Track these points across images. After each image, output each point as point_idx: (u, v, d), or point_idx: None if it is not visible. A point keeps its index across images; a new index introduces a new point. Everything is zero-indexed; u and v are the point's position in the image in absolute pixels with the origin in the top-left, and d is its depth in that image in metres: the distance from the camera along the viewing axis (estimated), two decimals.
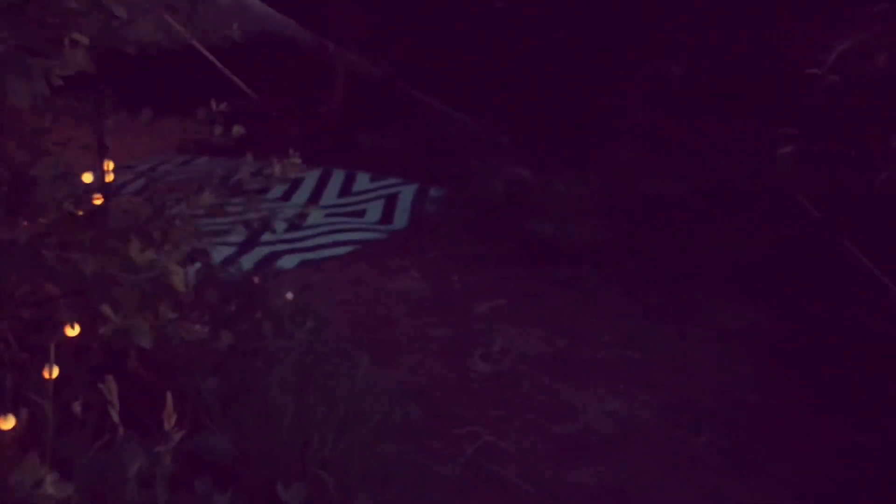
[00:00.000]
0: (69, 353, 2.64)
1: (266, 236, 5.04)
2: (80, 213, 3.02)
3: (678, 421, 2.93)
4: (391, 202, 5.60)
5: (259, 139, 7.21)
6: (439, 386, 3.18)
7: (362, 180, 6.15)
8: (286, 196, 5.82)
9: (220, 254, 4.65)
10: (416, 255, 4.59)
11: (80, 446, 2.18)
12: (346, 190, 5.97)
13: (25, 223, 2.77)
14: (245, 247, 4.83)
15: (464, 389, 3.15)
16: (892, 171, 4.13)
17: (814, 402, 3.03)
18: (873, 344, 3.36)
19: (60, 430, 2.22)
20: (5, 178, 2.93)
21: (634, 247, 4.00)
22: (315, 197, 5.81)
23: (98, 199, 3.11)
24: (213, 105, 3.23)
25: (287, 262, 4.60)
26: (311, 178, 6.23)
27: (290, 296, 3.13)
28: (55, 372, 2.17)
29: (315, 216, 5.34)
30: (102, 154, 3.40)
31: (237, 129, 3.24)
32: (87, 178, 3.15)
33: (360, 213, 5.43)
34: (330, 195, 5.86)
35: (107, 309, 2.53)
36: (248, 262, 4.56)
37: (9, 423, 2.06)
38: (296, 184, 6.11)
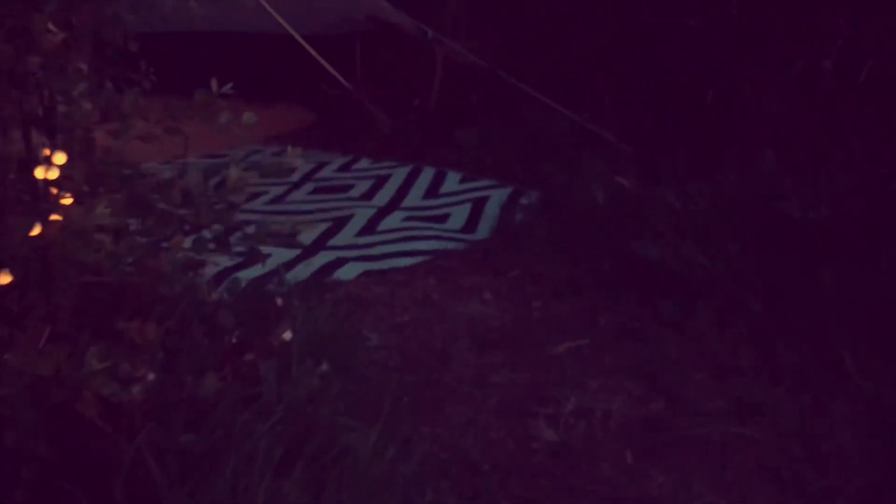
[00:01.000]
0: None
1: (334, 240, 4.40)
2: None
3: None
4: (478, 207, 4.84)
5: (351, 131, 6.66)
6: (488, 456, 2.40)
7: (452, 180, 5.42)
8: (368, 195, 5.16)
9: (279, 257, 4.04)
10: (494, 273, 3.82)
11: None
12: (432, 191, 5.26)
13: None
14: (310, 251, 4.19)
15: (519, 465, 2.37)
16: None
17: None
18: None
19: None
20: None
21: (765, 283, 3.08)
22: (398, 197, 5.12)
23: None
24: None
25: (348, 271, 3.92)
26: (398, 175, 5.56)
27: (287, 335, 2.43)
28: None
29: (389, 221, 4.67)
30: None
31: (248, 117, 2.56)
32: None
33: (443, 219, 4.70)
34: (414, 196, 5.16)
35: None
36: (305, 269, 3.92)
37: None
38: (381, 181, 5.46)
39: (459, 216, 4.73)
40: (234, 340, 2.45)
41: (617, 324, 3.23)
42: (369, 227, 4.56)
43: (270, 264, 4.01)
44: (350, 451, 2.01)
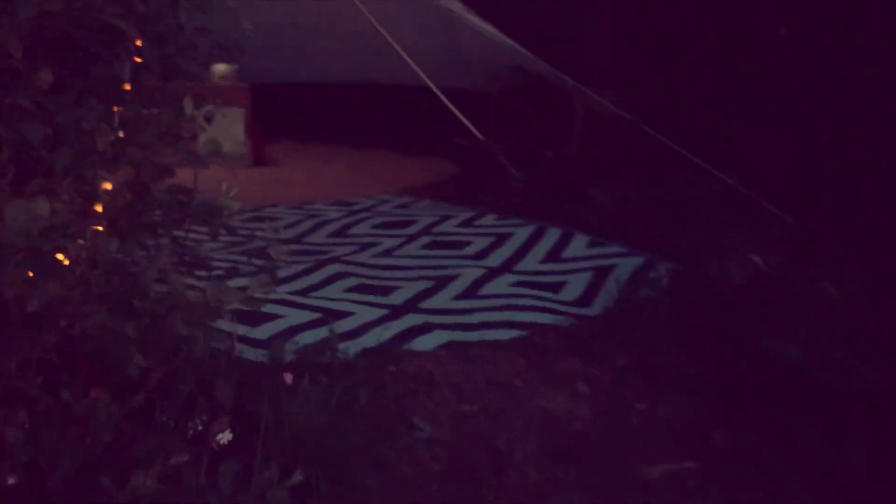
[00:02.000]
0: None
1: (429, 301, 3.85)
2: None
3: None
4: (600, 277, 4.14)
5: (482, 185, 6.14)
6: None
7: (578, 244, 4.75)
8: (482, 254, 4.59)
9: (362, 316, 3.55)
10: (597, 359, 3.12)
11: None
12: (554, 254, 4.61)
13: None
14: (398, 311, 3.67)
15: None
16: None
17: None
18: None
19: None
20: None
21: None
22: (514, 259, 4.51)
23: None
24: None
25: (430, 339, 3.35)
26: (520, 234, 4.96)
27: (225, 437, 1.89)
28: None
29: (495, 284, 4.07)
30: None
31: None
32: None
33: (557, 287, 4.04)
34: (532, 258, 4.53)
35: None
36: (382, 334, 3.39)
37: None
38: (501, 240, 4.87)
39: (576, 286, 4.05)
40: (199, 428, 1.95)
41: (736, 445, 2.44)
42: (471, 291, 3.98)
43: (351, 323, 3.55)
44: None
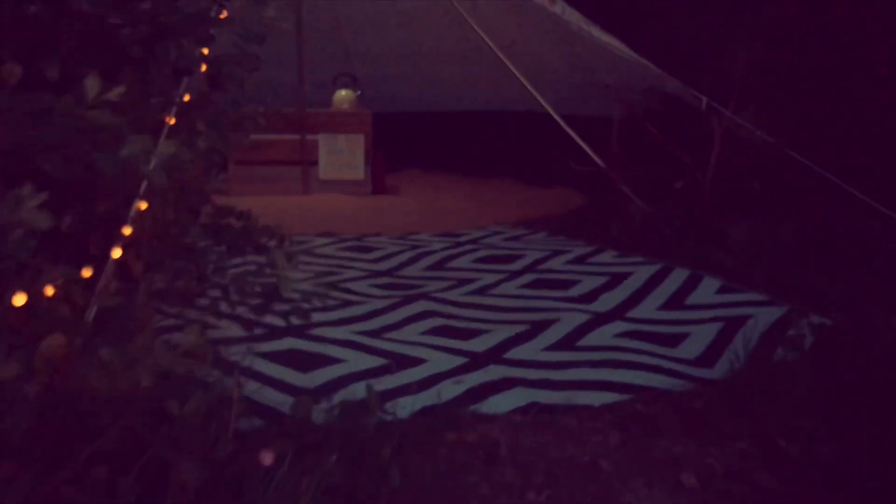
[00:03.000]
0: None
1: (516, 350, 3.22)
2: None
3: None
4: (730, 330, 3.37)
5: (603, 217, 5.44)
6: None
7: (707, 289, 3.97)
8: (590, 296, 3.92)
9: (436, 364, 2.98)
10: (714, 440, 2.40)
11: None
12: (677, 299, 3.86)
13: None
14: (479, 361, 3.08)
15: None
16: None
17: None
18: None
19: None
20: None
21: None
22: (628, 303, 3.81)
23: None
24: None
25: (507, 399, 2.72)
26: (640, 274, 4.24)
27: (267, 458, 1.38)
28: None
29: (600, 333, 3.39)
30: None
31: None
32: None
33: (676, 340, 3.31)
34: (650, 304, 3.81)
35: None
36: (451, 389, 2.80)
37: None
38: (615, 280, 4.18)
39: (699, 340, 3.30)
40: None
41: None
42: (569, 340, 3.32)
43: (418, 373, 2.98)
44: None
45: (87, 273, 2.30)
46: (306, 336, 3.23)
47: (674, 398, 2.73)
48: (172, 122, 2.55)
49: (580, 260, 4.64)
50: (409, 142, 9.02)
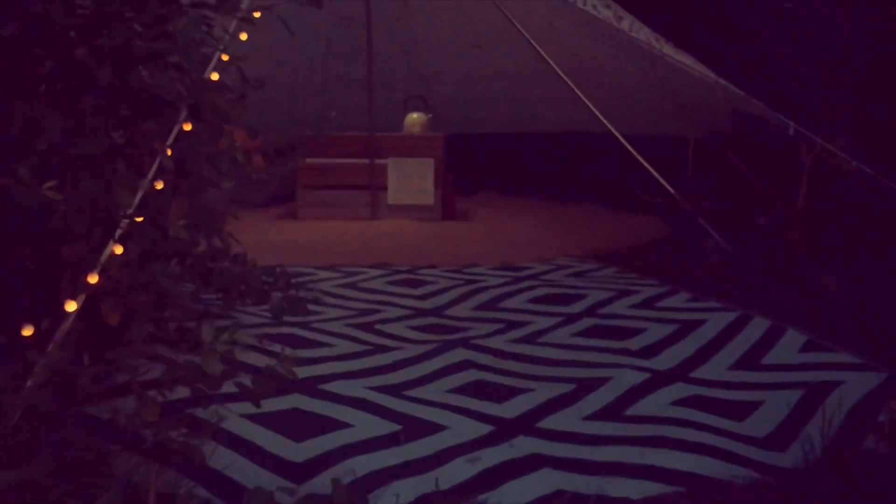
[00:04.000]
0: None
1: (553, 419, 2.74)
2: None
3: None
4: (813, 400, 2.78)
5: (678, 254, 4.86)
6: None
7: (789, 345, 3.37)
8: (652, 349, 3.40)
9: (458, 432, 2.55)
10: None
11: None
12: (752, 357, 3.28)
13: None
14: (506, 430, 2.62)
15: None
16: None
17: None
18: None
19: None
20: None
21: None
22: (694, 359, 3.26)
23: None
24: None
25: (529, 485, 2.23)
26: (713, 324, 3.67)
27: None
28: None
29: (655, 399, 2.86)
30: None
31: None
32: None
33: (744, 411, 2.75)
34: (721, 361, 3.24)
35: None
36: (465, 468, 2.36)
37: None
38: (685, 329, 3.63)
39: (773, 412, 2.73)
40: None
41: None
42: (617, 406, 2.81)
43: (427, 446, 2.55)
44: None
45: (27, 332, 2.01)
46: (315, 392, 2.86)
47: (733, 493, 2.20)
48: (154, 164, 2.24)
49: (648, 303, 4.11)
50: (487, 164, 8.61)
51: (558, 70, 5.59)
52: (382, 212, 6.91)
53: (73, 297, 2.03)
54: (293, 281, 2.93)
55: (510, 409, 2.79)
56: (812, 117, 3.86)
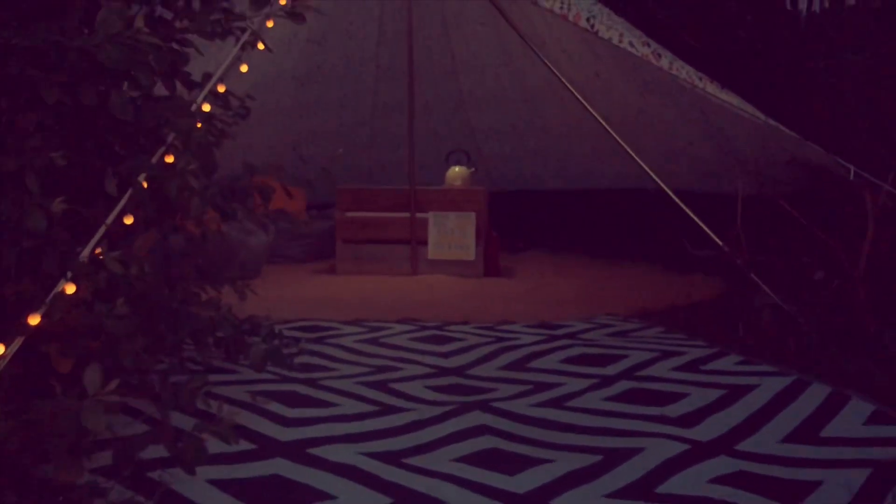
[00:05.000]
0: None
1: (569, 496, 2.35)
2: None
3: None
4: (880, 482, 2.32)
5: (727, 312, 4.42)
6: None
7: (853, 416, 2.90)
8: (694, 417, 2.98)
9: None
10: None
11: None
12: (810, 428, 2.83)
13: None
14: None
15: None
16: None
17: None
18: None
19: None
20: None
21: None
22: (742, 430, 2.82)
23: None
24: None
25: None
26: (765, 389, 3.23)
27: None
28: None
29: (692, 475, 2.44)
30: None
31: None
32: None
33: (799, 494, 2.31)
34: (773, 432, 2.80)
35: None
36: None
37: None
38: (732, 396, 3.19)
39: (833, 494, 2.29)
40: None
41: None
42: (647, 483, 2.41)
43: None
44: None
45: None
46: (302, 457, 2.53)
47: None
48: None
49: (693, 366, 3.68)
50: (535, 221, 8.30)
51: (605, 125, 5.29)
52: (422, 267, 6.63)
53: (6, 341, 1.79)
54: (294, 334, 2.65)
55: (523, 483, 2.41)
56: (876, 160, 3.44)
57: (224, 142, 2.81)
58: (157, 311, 2.15)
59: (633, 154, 4.60)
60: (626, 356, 3.91)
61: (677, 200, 4.14)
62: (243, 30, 2.77)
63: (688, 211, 4.12)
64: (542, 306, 5.30)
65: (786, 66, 4.61)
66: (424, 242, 6.65)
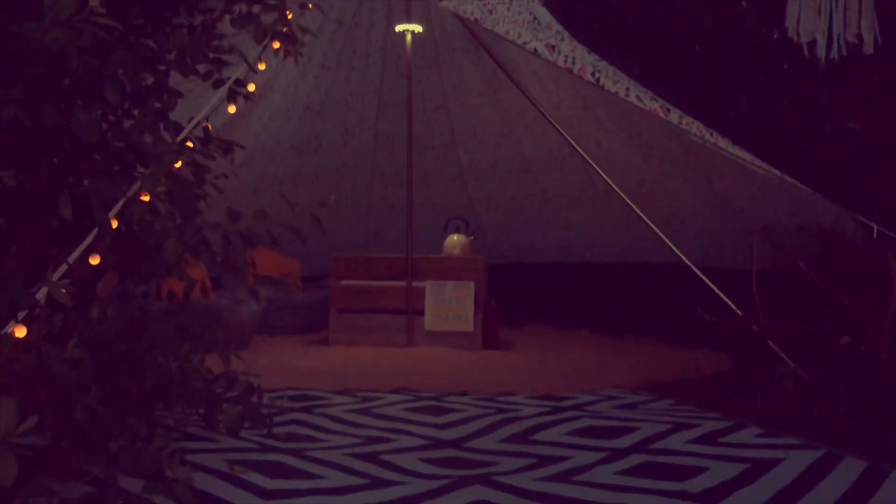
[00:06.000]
0: None
1: None
2: None
3: None
4: None
5: (744, 382, 4.15)
6: None
7: (892, 492, 2.63)
8: (715, 493, 2.69)
9: None
10: None
11: None
12: None
13: None
14: None
15: None
16: None
17: None
18: None
19: None
20: None
21: None
22: None
23: None
24: None
25: None
26: (790, 465, 2.94)
27: None
28: None
29: None
30: None
31: None
32: None
33: None
34: None
35: None
36: None
37: None
38: (755, 471, 2.90)
39: None
40: None
41: None
42: None
43: None
44: None
45: None
46: None
47: None
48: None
49: (710, 439, 3.39)
50: (534, 294, 8.07)
51: (618, 190, 5.14)
52: (419, 338, 6.36)
53: None
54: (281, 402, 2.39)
55: None
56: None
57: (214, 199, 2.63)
58: (119, 359, 1.90)
59: (649, 222, 4.44)
60: (637, 428, 3.61)
61: (694, 269, 3.95)
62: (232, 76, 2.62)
63: (704, 279, 3.92)
64: (545, 378, 5.02)
65: (799, 121, 4.50)
66: (421, 312, 6.41)
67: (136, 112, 2.29)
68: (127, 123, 2.10)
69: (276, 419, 2.87)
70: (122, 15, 2.34)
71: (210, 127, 2.46)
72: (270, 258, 6.48)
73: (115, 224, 1.97)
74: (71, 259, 1.89)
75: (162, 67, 2.43)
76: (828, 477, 2.80)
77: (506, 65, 6.04)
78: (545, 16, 4.02)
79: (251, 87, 2.69)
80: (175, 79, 2.82)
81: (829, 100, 5.26)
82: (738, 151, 3.57)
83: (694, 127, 3.55)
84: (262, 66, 2.80)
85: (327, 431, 3.55)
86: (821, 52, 2.94)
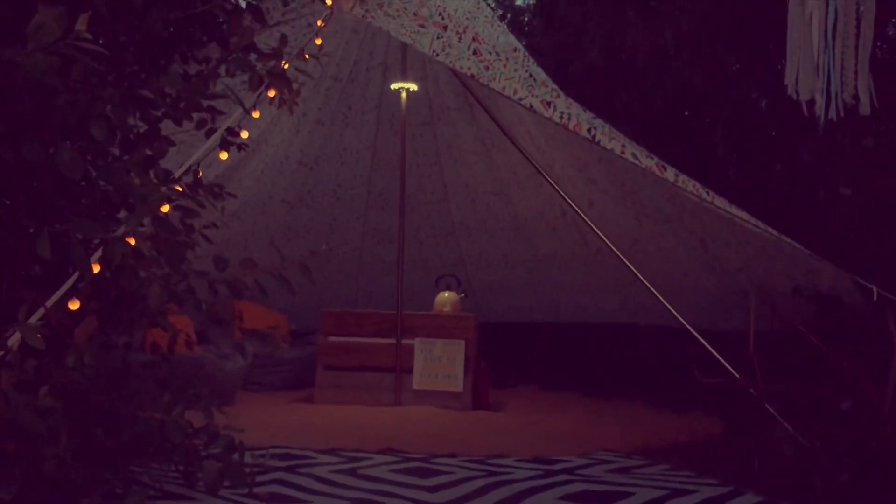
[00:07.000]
0: None
1: None
2: None
3: None
4: None
5: (742, 449, 4.04)
6: None
7: None
8: None
9: None
10: None
11: None
12: None
13: None
14: None
15: None
16: None
17: None
18: None
19: None
20: None
21: None
22: None
23: None
24: None
25: None
26: None
27: None
28: None
29: None
30: None
31: None
32: None
33: None
34: None
35: None
36: None
37: None
38: None
39: None
40: None
41: None
42: None
43: None
44: None
45: None
46: None
47: None
48: None
49: None
50: (525, 355, 7.96)
51: (614, 249, 5.11)
52: (407, 397, 6.22)
53: None
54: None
55: None
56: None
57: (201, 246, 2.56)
58: (95, 409, 1.79)
59: (646, 283, 4.39)
60: (632, 493, 3.49)
61: (692, 330, 3.88)
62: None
63: (702, 340, 3.85)
64: (536, 440, 4.89)
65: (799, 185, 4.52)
66: (410, 370, 6.29)
67: (126, 158, 2.25)
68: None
69: (259, 478, 2.74)
70: (115, 61, 2.32)
71: (201, 174, 2.41)
72: (258, 312, 6.38)
73: (96, 268, 1.90)
74: (49, 303, 1.81)
75: (156, 113, 2.39)
76: None
77: (500, 122, 6.08)
78: (540, 74, 4.05)
79: (244, 134, 2.65)
80: (168, 129, 2.79)
81: (819, 163, 5.29)
82: (734, 210, 3.56)
83: (690, 185, 3.54)
84: (256, 115, 2.77)
85: (311, 492, 3.41)
86: (819, 110, 2.96)
